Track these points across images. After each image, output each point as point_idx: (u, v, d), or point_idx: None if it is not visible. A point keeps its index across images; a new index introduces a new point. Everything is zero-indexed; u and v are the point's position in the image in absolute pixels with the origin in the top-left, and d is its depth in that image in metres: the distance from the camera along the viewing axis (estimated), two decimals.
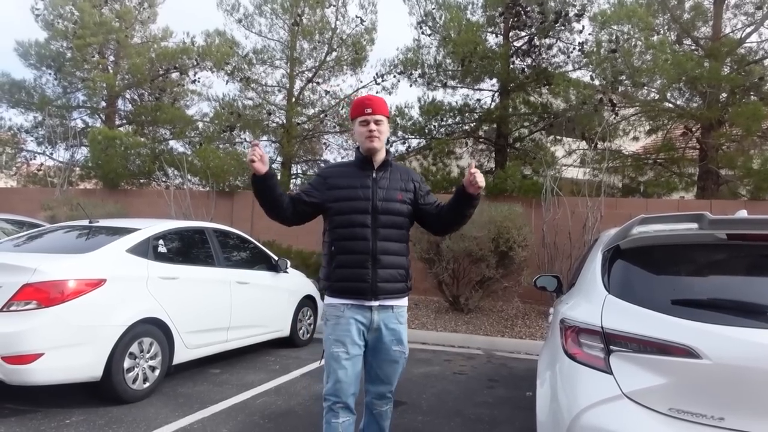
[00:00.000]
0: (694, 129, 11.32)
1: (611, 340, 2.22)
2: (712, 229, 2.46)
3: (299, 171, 14.95)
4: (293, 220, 2.74)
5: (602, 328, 2.25)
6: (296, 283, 6.65)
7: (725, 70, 10.10)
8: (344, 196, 2.68)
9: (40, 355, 3.77)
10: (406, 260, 2.76)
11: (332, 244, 2.69)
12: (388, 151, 2.81)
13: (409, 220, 2.78)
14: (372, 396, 2.84)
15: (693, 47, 10.96)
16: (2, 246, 4.87)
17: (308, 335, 6.83)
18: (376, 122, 2.67)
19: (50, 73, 14.18)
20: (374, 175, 2.72)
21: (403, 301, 2.79)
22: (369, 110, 2.67)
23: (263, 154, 2.53)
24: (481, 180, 2.53)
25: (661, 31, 10.95)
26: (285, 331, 6.36)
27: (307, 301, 6.77)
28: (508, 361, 6.34)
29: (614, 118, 11.07)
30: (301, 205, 2.70)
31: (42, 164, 15.03)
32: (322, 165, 14.53)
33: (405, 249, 2.77)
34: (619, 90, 10.68)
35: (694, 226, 2.49)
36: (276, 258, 6.40)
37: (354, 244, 2.64)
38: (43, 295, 3.84)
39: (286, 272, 6.43)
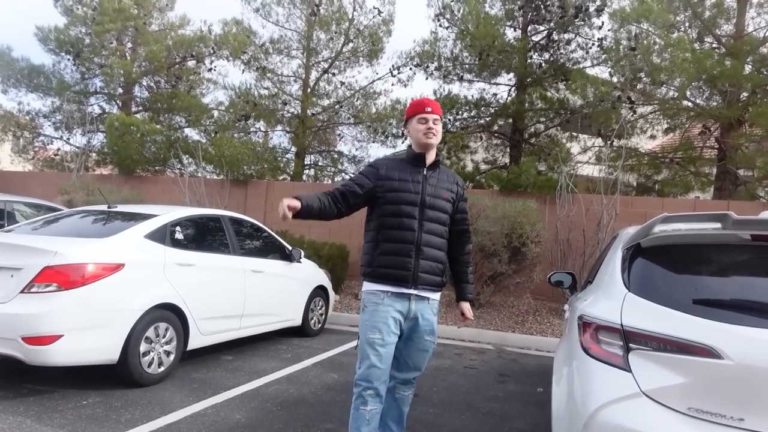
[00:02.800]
0: (712, 128, 11.18)
1: (631, 338, 2.21)
2: (736, 229, 2.43)
3: (313, 161, 14.97)
4: (346, 214, 2.84)
5: (622, 325, 2.24)
6: (309, 273, 6.68)
7: (747, 69, 9.94)
8: (397, 188, 2.79)
9: (60, 336, 3.83)
10: (444, 255, 2.90)
11: (379, 232, 2.80)
12: (437, 153, 2.96)
13: (450, 219, 2.93)
14: (397, 381, 2.94)
15: (714, 45, 10.80)
16: (22, 229, 4.94)
17: (320, 325, 6.87)
18: (434, 121, 2.82)
19: (69, 59, 14.28)
20: (425, 172, 2.86)
21: (438, 295, 2.91)
22: (429, 109, 2.83)
23: (289, 203, 2.53)
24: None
25: (682, 29, 10.80)
26: (297, 320, 6.41)
27: (320, 291, 6.81)
28: (519, 357, 6.34)
29: (632, 115, 10.96)
30: (354, 198, 2.79)
31: (59, 149, 15.20)
32: (335, 156, 14.58)
33: (445, 245, 2.91)
34: (638, 87, 10.56)
35: (718, 225, 2.47)
36: (290, 248, 6.43)
37: (401, 234, 2.76)
38: (63, 277, 3.90)
39: (300, 262, 6.46)
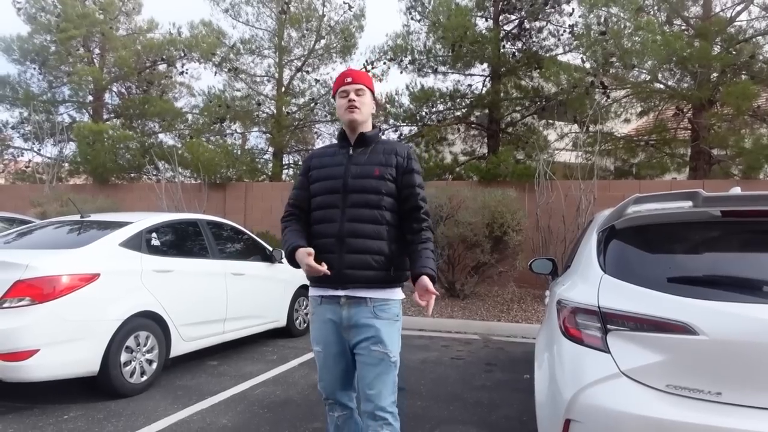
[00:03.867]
0: (685, 110, 11.34)
1: (608, 319, 2.22)
2: (707, 206, 2.46)
3: (291, 161, 14.87)
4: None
5: (599, 307, 2.25)
6: (291, 274, 6.61)
7: (715, 49, 10.09)
8: (319, 176, 2.44)
9: (36, 351, 3.74)
10: (386, 245, 2.33)
11: (311, 229, 2.44)
12: (375, 126, 2.54)
13: (392, 199, 2.37)
14: (363, 413, 2.35)
15: (683, 27, 10.95)
16: None
17: (305, 325, 6.82)
18: (357, 92, 2.40)
19: (34, 68, 14.01)
20: (350, 151, 2.43)
21: (386, 293, 2.34)
22: (349, 80, 2.41)
23: (310, 267, 2.25)
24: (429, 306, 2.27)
25: (651, 12, 10.92)
26: (282, 321, 6.36)
27: (303, 291, 6.75)
28: (505, 345, 6.38)
29: (605, 100, 11.06)
30: (305, 202, 2.47)
31: (30, 161, 14.89)
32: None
33: (384, 232, 2.34)
34: (610, 72, 10.67)
35: (689, 204, 2.49)
36: (270, 248, 6.38)
37: (323, 228, 2.37)
38: (36, 290, 3.80)
39: (281, 263, 6.40)
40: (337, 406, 2.48)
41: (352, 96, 2.39)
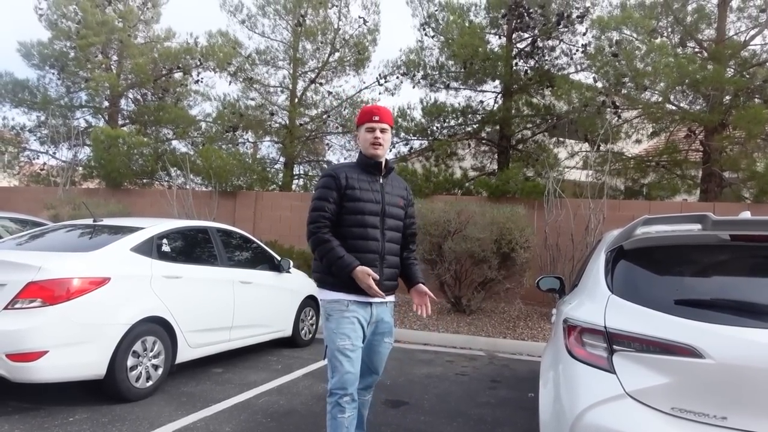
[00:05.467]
0: (697, 131, 11.31)
1: (614, 340, 2.22)
2: (716, 229, 2.47)
3: (302, 171, 14.97)
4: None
5: (605, 327, 2.26)
6: (299, 283, 6.66)
7: (729, 72, 10.09)
8: (359, 197, 2.79)
9: (45, 352, 3.78)
10: (398, 261, 3.01)
11: (343, 243, 2.77)
12: (386, 159, 2.96)
13: (402, 224, 3.00)
14: (359, 387, 2.91)
15: (696, 50, 10.96)
16: (6, 244, 4.89)
17: (310, 335, 6.84)
18: (382, 131, 2.83)
19: (53, 73, 14.23)
20: (381, 180, 2.91)
21: (393, 297, 3.03)
22: (377, 118, 2.82)
23: (372, 288, 2.72)
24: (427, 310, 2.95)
25: (664, 34, 10.95)
26: (287, 331, 6.37)
27: (310, 302, 6.78)
28: (511, 363, 6.35)
29: (617, 120, 11.07)
30: (335, 215, 2.79)
31: (45, 164, 15.08)
32: (325, 166, 14.57)
33: (399, 250, 3.01)
34: (622, 92, 10.68)
35: (698, 226, 2.50)
36: (279, 258, 6.41)
37: (366, 244, 2.79)
38: (47, 293, 3.86)
39: (289, 272, 6.44)
40: (351, 403, 2.71)
41: (378, 134, 2.82)
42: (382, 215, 2.83)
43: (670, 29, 11.08)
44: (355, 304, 2.76)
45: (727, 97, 10.17)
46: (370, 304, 2.81)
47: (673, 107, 10.98)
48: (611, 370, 2.19)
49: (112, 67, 14.71)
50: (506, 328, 7.74)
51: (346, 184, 2.78)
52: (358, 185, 2.81)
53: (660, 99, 10.62)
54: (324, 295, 2.83)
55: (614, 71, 9.86)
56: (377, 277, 2.73)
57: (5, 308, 3.81)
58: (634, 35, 9.79)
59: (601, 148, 10.60)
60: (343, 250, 2.73)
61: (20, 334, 3.75)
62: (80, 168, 14.36)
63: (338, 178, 2.79)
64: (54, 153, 14.40)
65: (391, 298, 2.97)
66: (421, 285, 2.98)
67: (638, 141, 12.43)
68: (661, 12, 10.87)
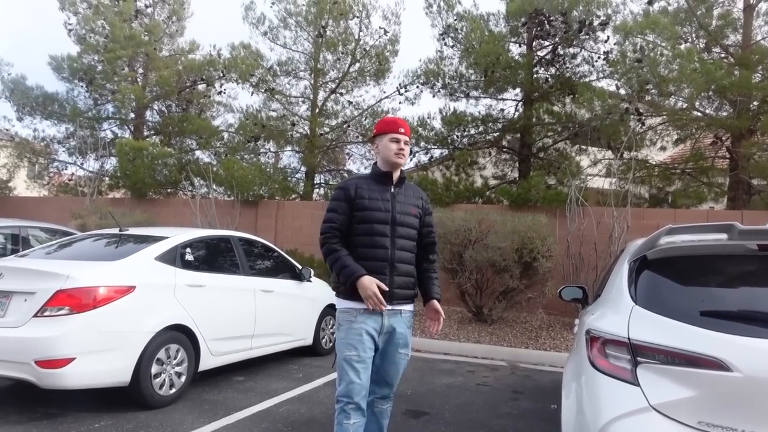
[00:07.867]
0: (723, 138, 11.09)
1: (638, 352, 2.19)
2: (743, 239, 2.42)
3: (322, 181, 15.06)
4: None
5: (629, 339, 2.22)
6: (319, 292, 6.69)
7: (756, 78, 9.89)
8: (368, 206, 2.87)
9: (72, 359, 3.87)
10: (414, 269, 3.02)
11: (353, 251, 2.85)
12: (401, 170, 3.07)
13: (417, 233, 3.04)
14: (375, 396, 2.99)
15: (722, 55, 10.78)
16: (36, 253, 5.02)
17: (330, 344, 6.84)
18: (405, 143, 2.96)
19: (82, 86, 14.58)
20: (392, 189, 2.97)
21: (410, 307, 3.02)
22: (402, 130, 2.94)
23: (376, 297, 2.74)
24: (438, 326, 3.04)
25: (689, 40, 10.80)
26: (308, 339, 6.40)
27: (330, 310, 6.78)
28: (533, 373, 6.27)
29: (641, 127, 10.91)
30: (346, 227, 2.88)
31: (73, 174, 15.46)
32: (345, 175, 14.67)
33: (414, 259, 3.03)
34: (646, 99, 10.54)
35: (724, 236, 2.45)
36: (300, 267, 6.45)
37: (374, 252, 2.84)
38: (75, 301, 3.95)
39: (310, 281, 6.47)
40: (356, 411, 2.74)
41: (402, 145, 2.95)
42: (392, 223, 2.88)
43: (694, 35, 10.92)
44: (364, 314, 2.79)
45: (755, 103, 9.96)
46: (381, 313, 2.81)
47: (699, 113, 10.79)
48: (635, 382, 2.15)
49: (138, 79, 15.04)
50: (528, 338, 7.66)
51: (356, 195, 2.88)
52: (368, 195, 2.89)
53: (685, 105, 10.45)
54: (338, 304, 2.89)
55: (638, 78, 9.74)
56: (384, 287, 2.75)
57: (35, 316, 3.91)
58: (658, 41, 9.66)
59: (624, 155, 10.45)
60: (350, 259, 2.80)
61: (49, 342, 3.84)
62: (107, 178, 14.68)
63: (348, 190, 2.91)
64: (82, 164, 14.75)
65: (408, 308, 2.96)
66: (434, 302, 3.02)
67: (663, 148, 12.23)
68: (685, 18, 10.72)
